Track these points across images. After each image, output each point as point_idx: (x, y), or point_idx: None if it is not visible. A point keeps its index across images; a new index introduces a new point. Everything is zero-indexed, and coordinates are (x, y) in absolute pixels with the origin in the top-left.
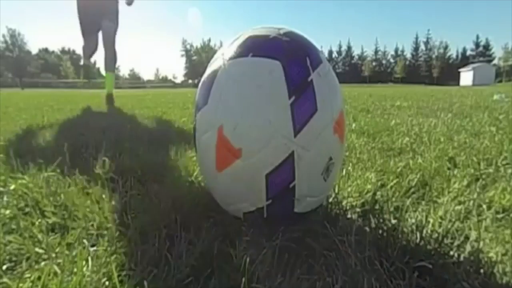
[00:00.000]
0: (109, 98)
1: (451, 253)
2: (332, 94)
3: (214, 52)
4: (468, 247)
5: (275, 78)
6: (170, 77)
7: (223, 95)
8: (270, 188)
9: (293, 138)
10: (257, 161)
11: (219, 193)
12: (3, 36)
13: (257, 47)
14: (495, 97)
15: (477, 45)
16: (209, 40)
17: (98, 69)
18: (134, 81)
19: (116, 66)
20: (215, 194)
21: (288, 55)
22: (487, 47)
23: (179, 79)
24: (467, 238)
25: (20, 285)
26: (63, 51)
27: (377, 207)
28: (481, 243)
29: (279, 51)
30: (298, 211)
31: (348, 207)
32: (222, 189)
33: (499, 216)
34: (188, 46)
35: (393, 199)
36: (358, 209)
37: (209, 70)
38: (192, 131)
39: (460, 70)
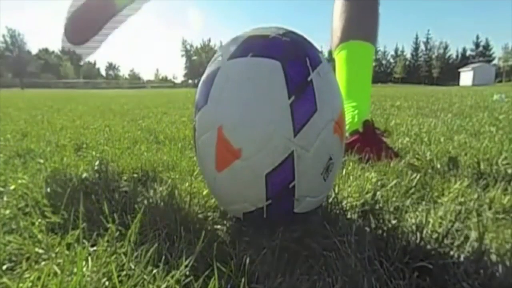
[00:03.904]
0: None
1: (451, 253)
2: (332, 94)
3: (214, 52)
4: (468, 247)
5: (274, 78)
6: (170, 77)
7: (222, 95)
8: (270, 188)
9: (292, 138)
10: (257, 161)
11: (218, 193)
12: (3, 36)
13: (256, 47)
14: (495, 97)
15: (477, 45)
16: (209, 40)
17: (98, 69)
18: (134, 81)
19: (116, 66)
20: (214, 194)
21: (287, 55)
22: (487, 47)
23: (179, 79)
24: (467, 238)
25: (20, 285)
26: (63, 51)
27: (377, 207)
28: (481, 243)
29: (278, 51)
30: (297, 211)
31: (348, 207)
32: (222, 189)
33: (500, 216)
34: (188, 46)
35: (393, 199)
36: (358, 209)
37: (208, 70)
38: (192, 131)
39: (460, 70)
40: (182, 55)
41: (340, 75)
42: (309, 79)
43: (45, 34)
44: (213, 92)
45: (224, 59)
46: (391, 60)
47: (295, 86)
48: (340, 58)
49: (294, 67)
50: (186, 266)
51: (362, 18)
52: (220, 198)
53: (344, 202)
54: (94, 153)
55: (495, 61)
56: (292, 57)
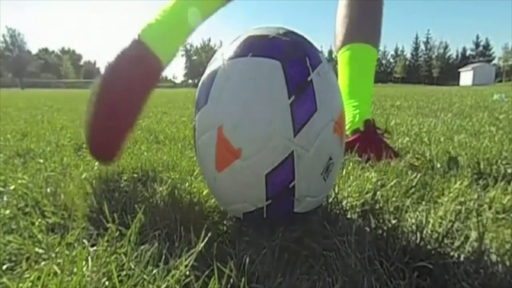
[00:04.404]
0: None
1: (451, 253)
2: (331, 94)
3: (214, 52)
4: (468, 247)
5: (274, 78)
6: (170, 77)
7: (222, 95)
8: (270, 188)
9: (292, 138)
10: (257, 161)
11: (218, 193)
12: (3, 36)
13: (256, 47)
14: (495, 97)
15: (477, 45)
16: (209, 40)
17: (98, 69)
18: None
19: None
20: (214, 194)
21: (287, 55)
22: (487, 47)
23: (179, 79)
24: (467, 238)
25: (20, 285)
26: (63, 51)
27: (377, 207)
28: (481, 243)
29: (278, 51)
30: (297, 211)
31: (348, 207)
32: (222, 189)
33: (500, 216)
34: (188, 46)
35: (393, 199)
36: (358, 209)
37: (208, 70)
38: (192, 131)
39: (460, 70)
40: (182, 55)
41: (342, 75)
42: (309, 79)
43: (45, 34)
44: (213, 92)
45: (224, 59)
46: (391, 60)
47: (295, 86)
48: (342, 59)
49: (294, 67)
50: (186, 266)
51: (365, 22)
52: (220, 198)
53: (344, 202)
54: None
55: (495, 61)
56: (292, 57)
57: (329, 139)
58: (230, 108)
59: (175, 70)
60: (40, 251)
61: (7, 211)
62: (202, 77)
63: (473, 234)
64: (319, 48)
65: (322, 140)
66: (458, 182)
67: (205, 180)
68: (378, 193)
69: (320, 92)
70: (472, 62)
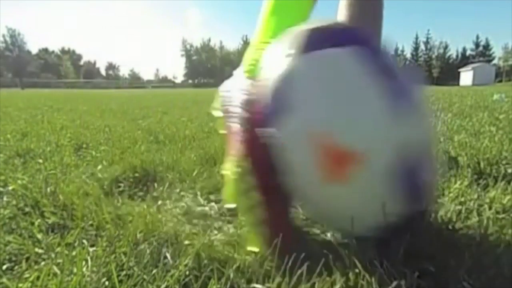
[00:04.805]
0: None
1: (452, 253)
2: (405, 76)
3: (214, 51)
4: (468, 247)
5: (356, 66)
6: (170, 77)
7: (308, 97)
8: (406, 191)
9: (398, 125)
10: (377, 162)
11: (331, 212)
12: (3, 36)
13: (326, 38)
14: (495, 97)
15: (477, 45)
16: (209, 40)
17: (98, 69)
18: (134, 81)
19: (116, 66)
20: (322, 215)
21: (358, 42)
22: (487, 47)
23: (179, 79)
24: (467, 238)
25: (20, 285)
26: (63, 51)
27: None
28: (481, 243)
29: (348, 39)
30: (429, 212)
31: None
32: (336, 206)
33: (500, 216)
34: (188, 46)
35: None
36: None
37: (275, 72)
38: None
39: (460, 70)
40: (182, 55)
41: None
42: (383, 63)
43: (45, 34)
44: (296, 96)
45: (292, 57)
46: None
47: (379, 71)
48: None
49: (367, 53)
50: (185, 266)
51: (365, 22)
52: (334, 218)
53: None
54: (94, 153)
55: (495, 61)
56: (361, 43)
57: (427, 117)
58: (323, 109)
59: (175, 70)
60: (40, 251)
61: (7, 211)
62: (265, 80)
63: (473, 234)
64: None
65: (425, 121)
66: (458, 182)
67: (300, 200)
68: None
69: (399, 75)
70: (472, 62)
